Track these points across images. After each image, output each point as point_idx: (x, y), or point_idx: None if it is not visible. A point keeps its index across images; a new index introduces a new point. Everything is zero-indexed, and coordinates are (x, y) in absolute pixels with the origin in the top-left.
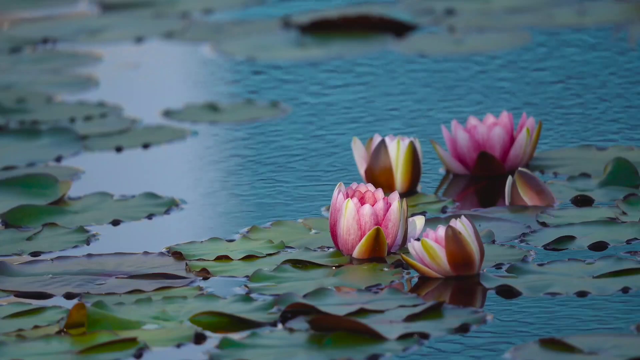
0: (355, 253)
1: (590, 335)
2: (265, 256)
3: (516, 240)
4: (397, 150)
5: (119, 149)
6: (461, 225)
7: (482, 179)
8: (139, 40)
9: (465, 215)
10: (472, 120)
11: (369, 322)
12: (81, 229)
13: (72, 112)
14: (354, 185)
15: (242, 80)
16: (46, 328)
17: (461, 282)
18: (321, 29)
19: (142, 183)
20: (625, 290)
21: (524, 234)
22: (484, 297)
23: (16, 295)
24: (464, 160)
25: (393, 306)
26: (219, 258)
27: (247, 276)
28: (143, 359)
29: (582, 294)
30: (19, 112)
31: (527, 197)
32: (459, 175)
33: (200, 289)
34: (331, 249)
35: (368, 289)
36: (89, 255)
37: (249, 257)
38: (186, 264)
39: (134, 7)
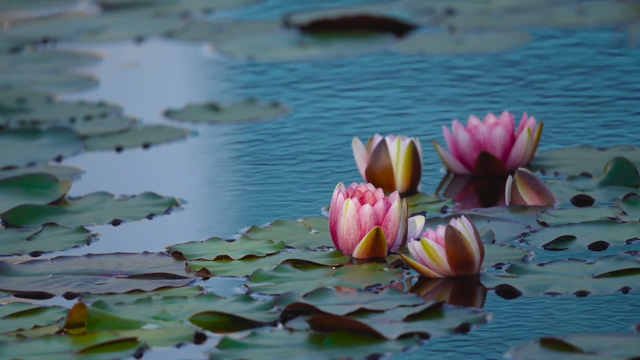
0: (355, 253)
1: (590, 335)
2: (265, 256)
3: (516, 240)
4: (397, 150)
5: (119, 149)
6: (461, 225)
7: (483, 178)
8: (139, 40)
9: (465, 215)
10: (473, 120)
11: (369, 322)
12: (81, 229)
13: (72, 112)
14: (354, 185)
15: (242, 80)
16: (46, 328)
17: (461, 282)
18: (321, 29)
19: (142, 183)
20: (625, 290)
21: (524, 234)
22: (484, 297)
23: (16, 295)
24: (465, 160)
25: (393, 306)
26: (219, 258)
27: (247, 276)
28: (143, 359)
29: (582, 294)
30: (19, 112)
31: (527, 197)
32: (460, 175)
33: (200, 289)
34: (331, 249)
35: (368, 288)
36: (89, 255)
37: (249, 257)
38: (186, 264)
39: (134, 7)
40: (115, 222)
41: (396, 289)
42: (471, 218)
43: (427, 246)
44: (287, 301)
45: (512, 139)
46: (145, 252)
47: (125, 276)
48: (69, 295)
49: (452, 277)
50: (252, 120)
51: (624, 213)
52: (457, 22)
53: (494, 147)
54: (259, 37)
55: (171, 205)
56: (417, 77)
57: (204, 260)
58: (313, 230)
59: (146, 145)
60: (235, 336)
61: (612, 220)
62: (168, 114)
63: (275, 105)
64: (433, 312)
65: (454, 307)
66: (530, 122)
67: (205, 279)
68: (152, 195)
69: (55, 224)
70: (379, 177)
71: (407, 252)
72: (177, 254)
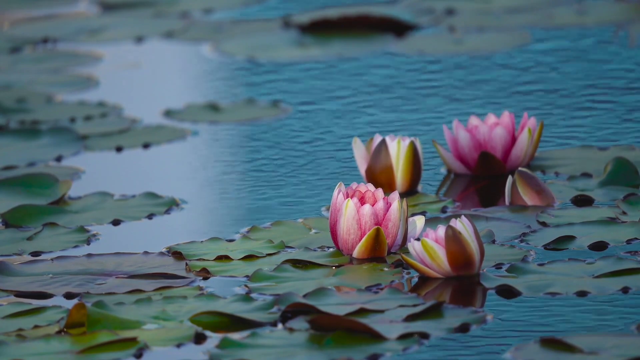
0: (355, 253)
1: (590, 335)
2: (265, 256)
3: (516, 240)
4: (397, 150)
5: (119, 149)
6: (461, 225)
7: (483, 178)
8: (139, 40)
9: (465, 215)
10: (474, 120)
11: (369, 322)
12: (81, 229)
13: (72, 112)
14: (354, 185)
15: (242, 80)
16: (46, 328)
17: (461, 282)
18: (321, 29)
19: (142, 183)
20: (625, 290)
21: (524, 234)
22: (484, 297)
23: (16, 295)
24: (465, 160)
25: (393, 306)
26: (219, 258)
27: (247, 276)
28: (143, 359)
29: (582, 294)
30: (19, 112)
31: (527, 197)
32: (460, 175)
33: (200, 288)
34: (331, 249)
35: (368, 288)
36: (89, 255)
37: (249, 257)
38: (186, 264)
39: (134, 7)
40: (115, 222)
41: (396, 289)
42: (471, 218)
43: (427, 246)
44: (287, 301)
45: (513, 139)
46: (145, 252)
47: (125, 276)
48: (69, 295)
49: (452, 277)
50: (252, 120)
51: (624, 213)
52: (457, 22)
53: (494, 147)
54: (259, 37)
55: (171, 205)
56: (417, 77)
57: (204, 260)
58: (313, 230)
59: (146, 145)
60: (235, 336)
61: (612, 220)
62: (168, 114)
63: (275, 105)
64: (433, 312)
65: (454, 307)
66: (531, 122)
67: (205, 279)
68: (152, 195)
69: (55, 224)
70: (379, 177)
71: (407, 252)
72: (177, 254)
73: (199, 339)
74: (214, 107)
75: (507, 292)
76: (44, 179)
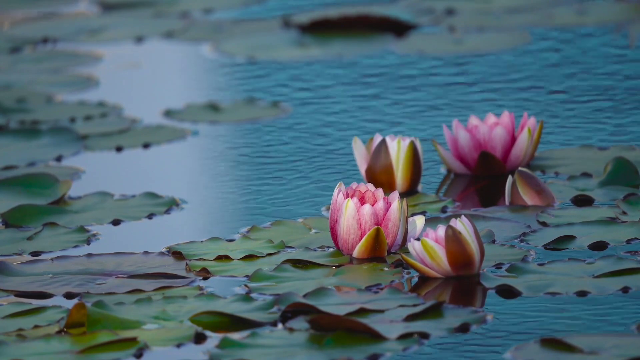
0: (355, 253)
1: (590, 335)
2: (265, 256)
3: (516, 240)
4: (397, 150)
5: (119, 149)
6: (461, 225)
7: (483, 178)
8: (139, 40)
9: (465, 215)
10: (474, 120)
11: (369, 321)
12: (81, 229)
13: (72, 112)
14: (354, 184)
15: (242, 80)
16: (46, 328)
17: (461, 282)
18: (321, 28)
19: (142, 183)
20: (625, 290)
21: (524, 234)
22: (484, 297)
23: (16, 295)
24: (465, 160)
25: (393, 306)
26: (219, 258)
27: (247, 276)
28: (143, 359)
29: (582, 294)
30: (19, 112)
31: (527, 197)
32: (460, 175)
33: (200, 288)
34: (331, 249)
35: (368, 288)
36: (89, 255)
37: (249, 257)
38: (186, 264)
39: (134, 7)
40: (115, 222)
41: (396, 289)
42: (471, 218)
43: (427, 246)
44: (287, 301)
45: (512, 139)
46: (145, 252)
47: (125, 276)
48: (69, 295)
49: (452, 277)
50: (252, 120)
51: (624, 213)
52: (457, 22)
53: (494, 147)
54: (259, 37)
55: (171, 205)
56: (417, 77)
57: (204, 260)
58: (313, 230)
59: (146, 145)
60: (235, 336)
61: (612, 220)
62: (168, 114)
63: (275, 105)
64: (433, 312)
65: (454, 307)
66: (531, 122)
67: (205, 278)
68: (152, 195)
69: (55, 224)
70: (379, 177)
71: (407, 252)
72: (177, 254)
73: (199, 339)
74: (214, 107)
75: (507, 292)
76: (44, 179)
